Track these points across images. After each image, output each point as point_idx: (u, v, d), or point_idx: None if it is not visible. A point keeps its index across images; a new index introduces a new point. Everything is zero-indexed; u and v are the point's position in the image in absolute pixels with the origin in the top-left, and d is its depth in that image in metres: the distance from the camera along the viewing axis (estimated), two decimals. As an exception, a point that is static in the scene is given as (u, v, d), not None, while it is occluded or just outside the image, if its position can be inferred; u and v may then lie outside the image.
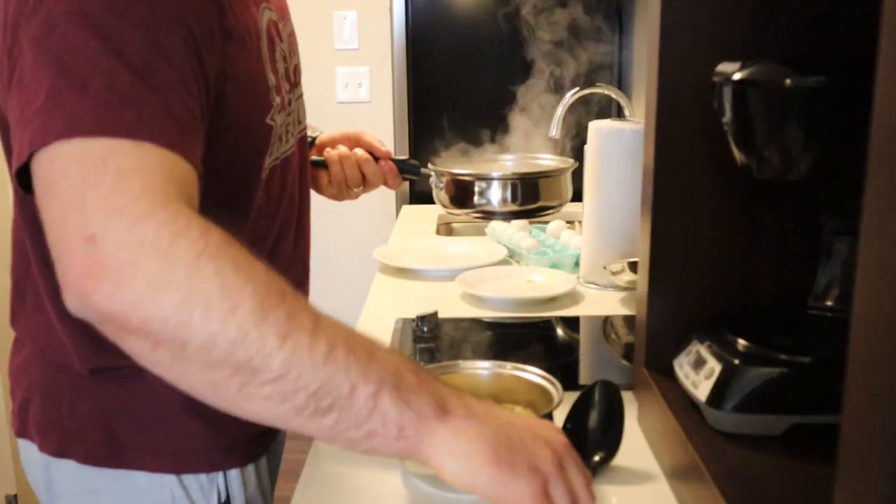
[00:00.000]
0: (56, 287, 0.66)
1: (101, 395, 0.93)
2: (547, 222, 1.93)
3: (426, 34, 2.51)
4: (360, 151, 1.24)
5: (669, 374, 0.87)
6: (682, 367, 0.83)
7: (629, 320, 1.36)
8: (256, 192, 0.95)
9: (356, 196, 1.30)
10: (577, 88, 1.99)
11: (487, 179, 1.18)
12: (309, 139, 1.22)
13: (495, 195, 1.21)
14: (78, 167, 0.64)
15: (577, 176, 2.10)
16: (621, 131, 1.44)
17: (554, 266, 1.64)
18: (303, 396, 0.61)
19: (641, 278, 0.92)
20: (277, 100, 0.94)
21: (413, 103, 2.54)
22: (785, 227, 0.87)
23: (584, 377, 1.17)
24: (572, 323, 1.37)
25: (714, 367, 0.78)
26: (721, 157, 0.81)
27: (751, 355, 0.76)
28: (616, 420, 0.87)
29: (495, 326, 1.35)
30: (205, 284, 0.60)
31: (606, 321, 1.36)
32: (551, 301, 1.45)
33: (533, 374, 0.93)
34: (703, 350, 0.81)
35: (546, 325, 1.36)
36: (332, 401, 0.61)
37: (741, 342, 0.79)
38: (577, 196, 2.43)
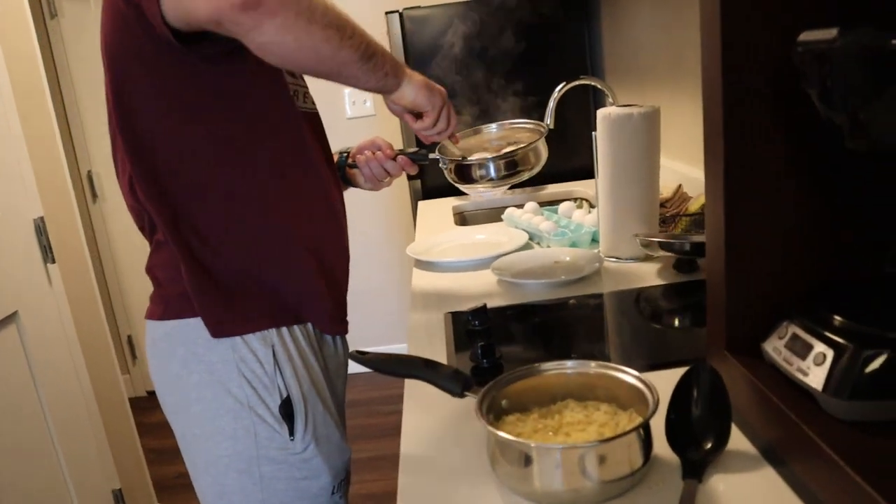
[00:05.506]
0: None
1: None
2: (557, 203, 1.74)
3: (420, 48, 2.33)
4: (380, 153, 1.27)
5: (752, 355, 0.69)
6: (779, 351, 0.65)
7: (661, 290, 1.18)
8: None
9: (388, 184, 1.33)
10: (565, 83, 1.80)
11: (482, 162, 1.23)
12: (344, 154, 1.29)
13: (490, 170, 1.27)
14: None
15: (583, 157, 1.92)
16: (630, 116, 1.25)
17: (573, 245, 1.45)
18: (363, 46, 0.91)
19: (715, 257, 0.73)
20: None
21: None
22: (855, 198, 0.69)
23: (636, 357, 0.99)
24: (604, 297, 1.19)
25: (825, 352, 0.59)
26: (793, 124, 0.63)
27: (863, 337, 0.58)
28: (723, 407, 0.68)
29: (538, 310, 1.17)
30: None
31: (639, 295, 1.18)
32: (584, 280, 1.27)
33: (624, 373, 0.73)
34: (801, 332, 0.63)
35: (585, 304, 1.17)
36: (373, 51, 0.94)
37: (841, 320, 0.60)
38: (582, 175, 2.24)
